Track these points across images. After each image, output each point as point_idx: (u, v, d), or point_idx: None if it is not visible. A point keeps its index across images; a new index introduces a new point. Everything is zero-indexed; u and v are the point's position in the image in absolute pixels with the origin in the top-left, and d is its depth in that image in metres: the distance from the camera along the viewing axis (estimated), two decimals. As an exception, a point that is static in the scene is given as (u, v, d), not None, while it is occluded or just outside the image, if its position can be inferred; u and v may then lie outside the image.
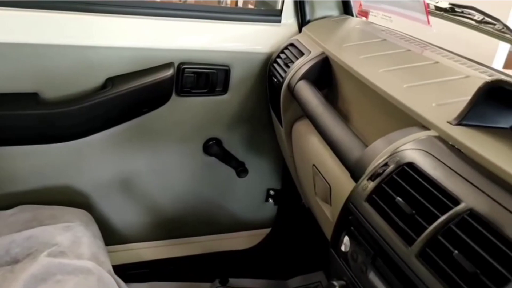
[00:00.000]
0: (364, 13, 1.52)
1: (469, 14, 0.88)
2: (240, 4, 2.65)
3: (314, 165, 0.89)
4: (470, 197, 0.49)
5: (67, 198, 1.06)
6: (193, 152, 1.18)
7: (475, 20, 0.86)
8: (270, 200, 1.34)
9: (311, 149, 0.91)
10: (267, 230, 1.39)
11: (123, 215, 1.18)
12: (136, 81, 1.01)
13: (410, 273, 0.49)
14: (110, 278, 0.85)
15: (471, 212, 0.47)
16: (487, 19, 0.85)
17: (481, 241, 0.45)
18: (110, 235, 1.09)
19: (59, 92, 0.97)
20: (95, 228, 0.99)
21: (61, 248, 0.85)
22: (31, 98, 0.96)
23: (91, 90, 0.99)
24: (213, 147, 1.18)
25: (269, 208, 1.37)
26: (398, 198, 0.54)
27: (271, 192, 1.33)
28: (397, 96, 0.70)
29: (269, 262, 1.39)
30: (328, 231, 0.81)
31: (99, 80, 0.99)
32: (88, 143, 1.05)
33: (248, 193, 1.31)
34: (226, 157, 1.20)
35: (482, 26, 0.86)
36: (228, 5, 2.74)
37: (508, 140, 0.56)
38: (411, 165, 0.56)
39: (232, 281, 1.33)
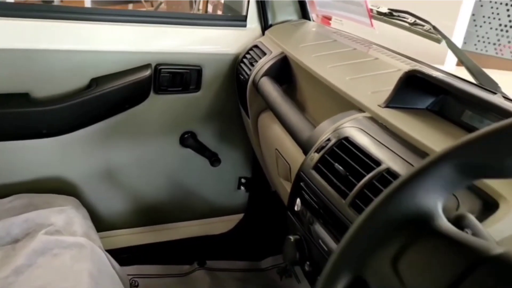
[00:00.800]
0: (328, 18, 1.68)
1: (404, 17, 1.04)
2: (210, 9, 2.79)
3: (276, 149, 1.03)
4: (389, 160, 0.64)
5: (58, 188, 1.17)
6: (171, 144, 1.30)
7: (408, 23, 1.02)
8: (242, 188, 1.48)
9: (274, 135, 1.05)
10: (240, 216, 1.53)
11: (109, 203, 1.30)
12: (118, 81, 1.13)
13: (345, 220, 0.64)
14: (101, 252, 0.97)
15: (388, 170, 0.62)
16: (418, 21, 1.01)
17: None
18: (97, 222, 1.20)
19: (48, 92, 1.08)
20: (84, 211, 1.10)
21: (56, 227, 0.96)
22: (23, 98, 1.07)
23: (77, 89, 1.11)
24: (189, 140, 1.31)
25: (241, 195, 1.50)
26: (337, 164, 0.68)
27: (243, 180, 1.47)
28: (340, 86, 0.85)
29: (243, 245, 1.52)
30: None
31: (84, 80, 1.11)
32: (76, 137, 1.16)
33: (222, 181, 1.44)
34: (201, 149, 1.33)
35: (414, 27, 1.02)
36: (200, 9, 2.87)
37: (424, 118, 0.72)
38: (347, 139, 0.71)
39: (210, 263, 1.46)
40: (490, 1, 2.70)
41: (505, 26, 2.67)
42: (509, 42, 2.65)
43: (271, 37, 1.20)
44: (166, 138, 1.29)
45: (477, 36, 2.78)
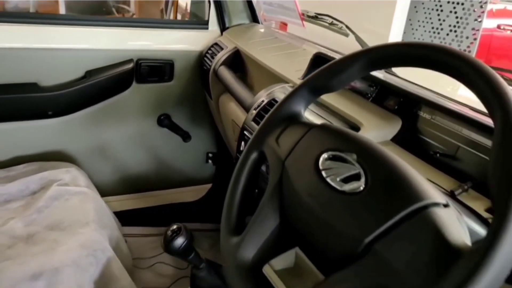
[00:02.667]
0: (284, 25, 2.02)
1: (324, 19, 1.39)
2: (179, 16, 3.11)
3: (232, 119, 1.36)
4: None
5: (61, 158, 1.46)
6: (150, 124, 1.61)
7: (327, 22, 1.37)
8: (209, 161, 1.80)
9: (231, 110, 1.38)
10: (209, 185, 1.84)
11: (101, 173, 1.59)
12: (107, 72, 1.43)
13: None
14: (100, 199, 1.27)
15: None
16: (334, 21, 1.36)
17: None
18: (91, 189, 1.49)
19: (52, 82, 1.38)
20: (84, 173, 1.40)
21: (65, 181, 1.26)
22: (33, 86, 1.36)
23: (75, 79, 1.41)
24: (164, 121, 1.62)
25: (209, 168, 1.82)
26: (265, 114, 1.02)
27: (210, 155, 1.79)
28: (275, 68, 1.18)
29: (211, 210, 1.83)
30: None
31: (80, 72, 1.41)
32: (75, 118, 1.46)
33: (192, 156, 1.76)
34: (174, 128, 1.64)
35: (331, 26, 1.37)
36: (172, 15, 3.19)
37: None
38: (274, 99, 1.04)
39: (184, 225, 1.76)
40: (424, 8, 3.12)
41: (437, 28, 3.11)
42: (441, 42, 3.08)
43: (227, 36, 1.53)
44: (146, 119, 1.60)
45: (414, 38, 3.20)
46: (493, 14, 3.93)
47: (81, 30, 1.39)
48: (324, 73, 0.68)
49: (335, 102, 0.96)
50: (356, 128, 0.87)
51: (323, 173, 0.57)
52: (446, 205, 0.51)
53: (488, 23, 3.69)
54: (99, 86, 1.43)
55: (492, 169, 0.45)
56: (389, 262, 0.48)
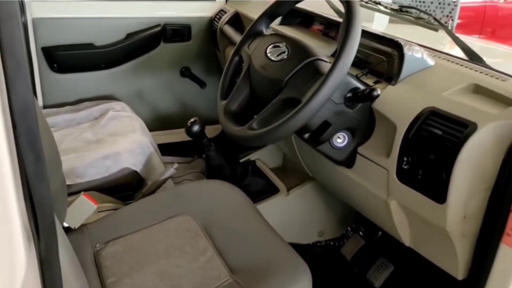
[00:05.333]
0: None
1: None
2: None
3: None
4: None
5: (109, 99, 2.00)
6: (174, 75, 2.12)
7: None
8: (222, 105, 2.29)
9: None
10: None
11: (139, 113, 2.10)
12: (141, 34, 1.95)
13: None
14: (142, 121, 1.79)
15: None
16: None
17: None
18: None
19: (103, 42, 1.90)
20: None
21: (117, 109, 1.79)
22: (90, 45, 1.89)
23: (120, 40, 1.93)
24: (186, 72, 2.13)
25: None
26: None
27: (222, 100, 2.29)
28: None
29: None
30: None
31: (123, 34, 1.93)
32: (120, 71, 1.98)
33: (208, 99, 2.25)
34: (193, 78, 2.15)
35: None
36: None
37: (295, 28, 1.54)
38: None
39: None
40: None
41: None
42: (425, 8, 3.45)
43: (230, 4, 2.03)
44: (171, 71, 2.11)
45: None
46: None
47: (123, 4, 1.91)
48: (272, 6, 1.17)
49: (299, 36, 1.44)
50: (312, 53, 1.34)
51: (268, 54, 1.07)
52: (326, 61, 0.99)
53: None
54: (136, 45, 1.95)
55: (340, 30, 0.94)
56: (293, 86, 0.97)
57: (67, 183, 1.38)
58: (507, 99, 0.92)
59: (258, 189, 1.64)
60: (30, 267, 0.55)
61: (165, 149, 2.05)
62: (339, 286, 1.54)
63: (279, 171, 1.82)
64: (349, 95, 1.02)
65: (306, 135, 1.09)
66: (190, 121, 1.52)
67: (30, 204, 0.52)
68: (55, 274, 0.58)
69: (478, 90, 0.99)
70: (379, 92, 0.96)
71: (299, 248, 1.33)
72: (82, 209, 1.17)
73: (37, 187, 0.50)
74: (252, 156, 1.91)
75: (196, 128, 1.49)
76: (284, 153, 1.91)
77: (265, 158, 1.89)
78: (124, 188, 1.62)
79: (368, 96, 0.97)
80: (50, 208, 0.53)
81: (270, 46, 1.09)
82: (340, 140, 1.09)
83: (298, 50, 1.02)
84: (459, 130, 0.88)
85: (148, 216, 1.21)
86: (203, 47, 2.11)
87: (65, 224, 1.16)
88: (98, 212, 1.34)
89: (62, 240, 0.73)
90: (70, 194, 1.29)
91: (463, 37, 1.26)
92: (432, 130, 0.91)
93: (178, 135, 2.25)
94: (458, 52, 1.20)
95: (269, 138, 0.96)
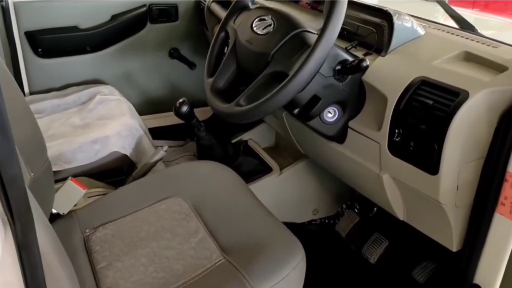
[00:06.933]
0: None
1: None
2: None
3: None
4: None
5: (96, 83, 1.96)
6: (163, 56, 2.08)
7: None
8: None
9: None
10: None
11: (126, 96, 2.06)
12: (127, 15, 1.90)
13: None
14: (131, 104, 1.76)
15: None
16: None
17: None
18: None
19: (88, 24, 1.86)
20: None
21: (105, 93, 1.75)
22: (75, 28, 1.84)
23: (105, 22, 1.88)
24: (174, 53, 2.08)
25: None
26: None
27: (212, 81, 2.25)
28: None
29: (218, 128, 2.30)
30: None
31: (107, 16, 1.88)
32: (107, 53, 1.93)
33: (198, 81, 2.21)
34: (182, 59, 2.11)
35: None
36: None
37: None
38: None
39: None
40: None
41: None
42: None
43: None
44: (159, 53, 2.07)
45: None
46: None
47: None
48: None
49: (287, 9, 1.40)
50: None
51: (254, 28, 1.03)
52: (313, 33, 0.96)
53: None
54: (122, 26, 1.91)
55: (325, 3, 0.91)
56: (279, 60, 0.94)
57: (55, 169, 1.36)
58: (498, 65, 0.90)
59: (251, 169, 1.62)
60: (7, 252, 0.53)
61: (156, 133, 2.02)
62: (335, 263, 1.54)
63: (271, 150, 1.80)
64: (338, 67, 0.99)
65: (296, 111, 1.07)
66: (178, 102, 1.49)
67: (1, 186, 0.49)
68: (34, 259, 0.56)
69: (469, 58, 0.97)
70: (368, 63, 0.93)
71: (293, 227, 1.32)
72: (70, 195, 1.15)
73: (7, 167, 0.48)
74: (244, 136, 1.88)
75: (184, 108, 1.46)
76: (276, 133, 1.89)
77: (257, 138, 1.87)
78: (115, 173, 1.60)
79: (357, 68, 0.94)
80: (23, 190, 0.50)
81: (256, 20, 1.05)
82: (331, 114, 1.07)
83: (284, 23, 0.99)
84: (450, 99, 0.86)
85: (138, 200, 1.19)
86: (191, 27, 2.07)
87: (54, 211, 1.14)
88: (88, 197, 1.33)
89: (44, 225, 0.71)
90: (58, 181, 1.27)
91: (455, 9, 1.24)
92: (423, 100, 0.89)
93: (169, 119, 2.22)
94: (450, 23, 1.18)
95: (257, 114, 0.93)
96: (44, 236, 0.66)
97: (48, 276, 0.60)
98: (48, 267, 0.62)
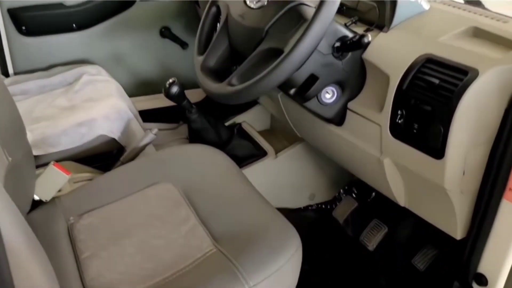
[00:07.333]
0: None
1: None
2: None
3: (216, 19, 1.73)
4: None
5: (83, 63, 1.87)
6: (154, 36, 1.99)
7: None
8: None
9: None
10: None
11: (116, 76, 1.98)
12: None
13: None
14: (120, 85, 1.68)
15: None
16: None
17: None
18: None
19: (74, 1, 1.77)
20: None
21: (93, 73, 1.67)
22: (60, 5, 1.75)
23: (91, -2, 1.80)
24: (165, 32, 2.00)
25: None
26: None
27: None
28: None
29: (212, 108, 2.23)
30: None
31: (95, -8, 1.80)
32: (94, 32, 1.84)
33: (191, 61, 2.13)
34: (174, 38, 2.02)
35: None
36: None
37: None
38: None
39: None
40: None
41: None
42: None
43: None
44: (150, 32, 1.98)
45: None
46: None
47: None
48: None
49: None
50: None
51: (247, 1, 0.96)
52: (310, 6, 0.89)
53: None
54: (109, 3, 1.82)
55: None
56: (274, 35, 0.87)
57: (39, 153, 1.29)
58: (509, 41, 0.84)
59: (244, 152, 1.55)
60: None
61: (147, 115, 1.96)
62: (332, 250, 1.49)
63: (266, 133, 1.73)
64: (337, 44, 0.93)
65: (292, 91, 1.00)
66: (168, 82, 1.42)
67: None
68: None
69: (478, 34, 0.91)
70: (370, 39, 0.87)
71: (289, 212, 1.27)
72: (53, 180, 1.09)
73: None
74: (238, 119, 1.82)
75: (175, 89, 1.39)
76: (272, 115, 1.82)
77: (251, 121, 1.80)
78: (104, 157, 1.53)
79: (357, 44, 0.88)
80: None
81: (249, -7, 0.98)
82: (329, 95, 1.01)
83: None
84: (458, 77, 0.80)
85: (126, 185, 1.13)
86: (183, 4, 1.98)
87: (36, 197, 1.08)
88: (74, 183, 1.26)
89: (16, 219, 0.65)
90: (42, 166, 1.21)
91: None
92: (429, 79, 0.83)
93: (160, 101, 2.14)
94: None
95: (250, 94, 0.87)
96: (15, 231, 0.60)
97: (19, 274, 0.54)
98: (19, 265, 0.56)
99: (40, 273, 0.64)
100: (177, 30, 2.03)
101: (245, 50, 0.97)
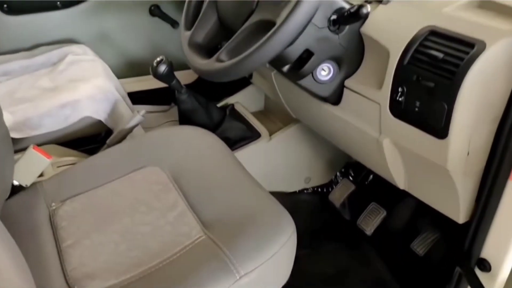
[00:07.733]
0: None
1: None
2: None
3: None
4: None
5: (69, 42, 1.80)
6: (143, 14, 1.91)
7: None
8: (197, 47, 2.11)
9: None
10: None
11: (104, 59, 1.91)
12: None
13: None
14: (107, 66, 1.61)
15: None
16: None
17: None
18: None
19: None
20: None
21: (78, 53, 1.60)
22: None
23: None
24: (155, 11, 1.92)
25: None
26: None
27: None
28: None
29: (204, 90, 2.16)
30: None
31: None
32: (80, 11, 1.75)
33: (179, 40, 2.05)
34: (164, 17, 1.94)
35: None
36: None
37: None
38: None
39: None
40: None
41: None
42: None
43: None
44: (138, 10, 1.90)
45: None
46: None
47: None
48: None
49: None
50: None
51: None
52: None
53: None
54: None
55: None
56: (266, 6, 0.81)
57: (20, 136, 1.23)
58: (519, 12, 0.78)
59: (237, 134, 1.49)
60: None
61: (137, 97, 1.89)
62: (328, 235, 1.44)
63: (260, 114, 1.68)
64: (333, 17, 0.86)
65: (286, 68, 0.94)
66: (156, 61, 1.35)
67: None
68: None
69: (484, 5, 0.85)
70: (369, 10, 0.80)
71: (284, 196, 1.21)
72: (33, 164, 1.03)
73: None
74: (230, 100, 1.75)
75: (162, 68, 1.32)
76: (265, 95, 1.76)
77: (244, 101, 1.74)
78: (91, 140, 1.48)
79: (356, 15, 0.81)
80: None
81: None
82: (325, 72, 0.95)
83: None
84: (464, 50, 0.74)
85: (111, 169, 1.07)
86: (172, -19, 1.90)
87: (15, 182, 1.03)
88: (58, 167, 1.21)
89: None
90: (24, 149, 1.15)
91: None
92: (432, 53, 0.77)
93: (151, 82, 2.06)
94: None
95: (240, 70, 0.80)
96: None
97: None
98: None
99: (10, 267, 0.59)
100: (167, 8, 1.95)
101: (235, 24, 0.90)
